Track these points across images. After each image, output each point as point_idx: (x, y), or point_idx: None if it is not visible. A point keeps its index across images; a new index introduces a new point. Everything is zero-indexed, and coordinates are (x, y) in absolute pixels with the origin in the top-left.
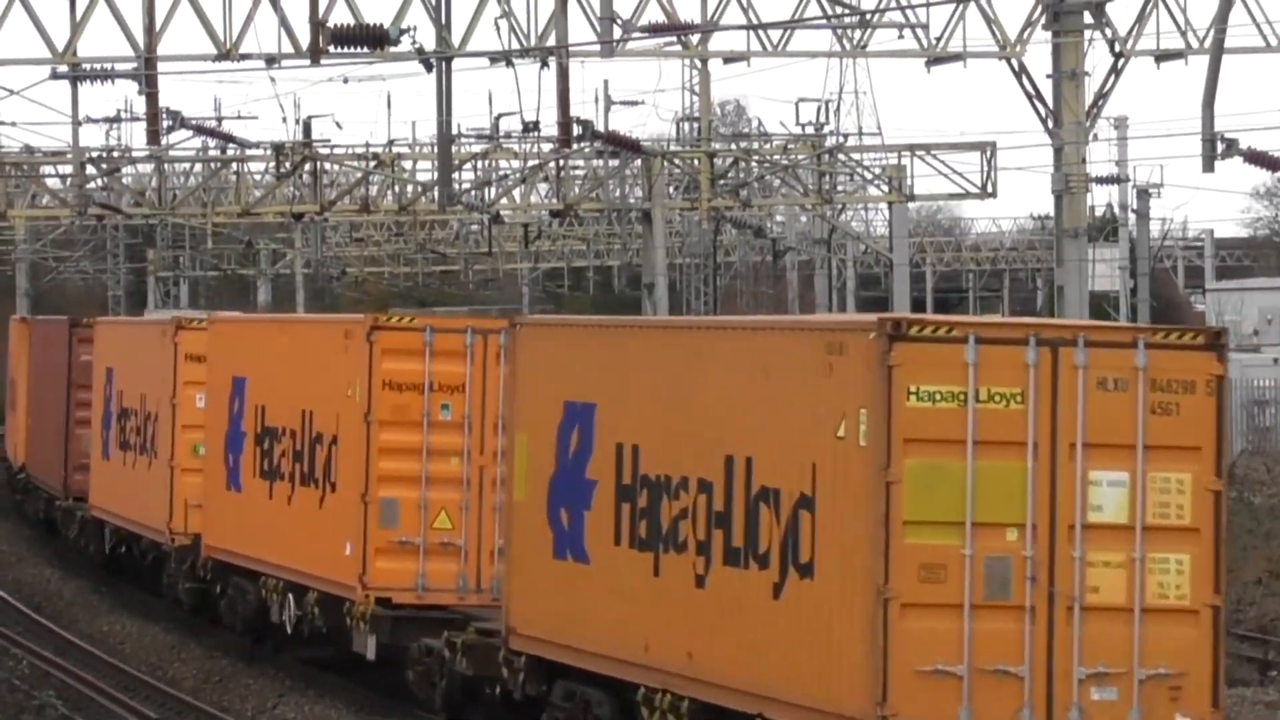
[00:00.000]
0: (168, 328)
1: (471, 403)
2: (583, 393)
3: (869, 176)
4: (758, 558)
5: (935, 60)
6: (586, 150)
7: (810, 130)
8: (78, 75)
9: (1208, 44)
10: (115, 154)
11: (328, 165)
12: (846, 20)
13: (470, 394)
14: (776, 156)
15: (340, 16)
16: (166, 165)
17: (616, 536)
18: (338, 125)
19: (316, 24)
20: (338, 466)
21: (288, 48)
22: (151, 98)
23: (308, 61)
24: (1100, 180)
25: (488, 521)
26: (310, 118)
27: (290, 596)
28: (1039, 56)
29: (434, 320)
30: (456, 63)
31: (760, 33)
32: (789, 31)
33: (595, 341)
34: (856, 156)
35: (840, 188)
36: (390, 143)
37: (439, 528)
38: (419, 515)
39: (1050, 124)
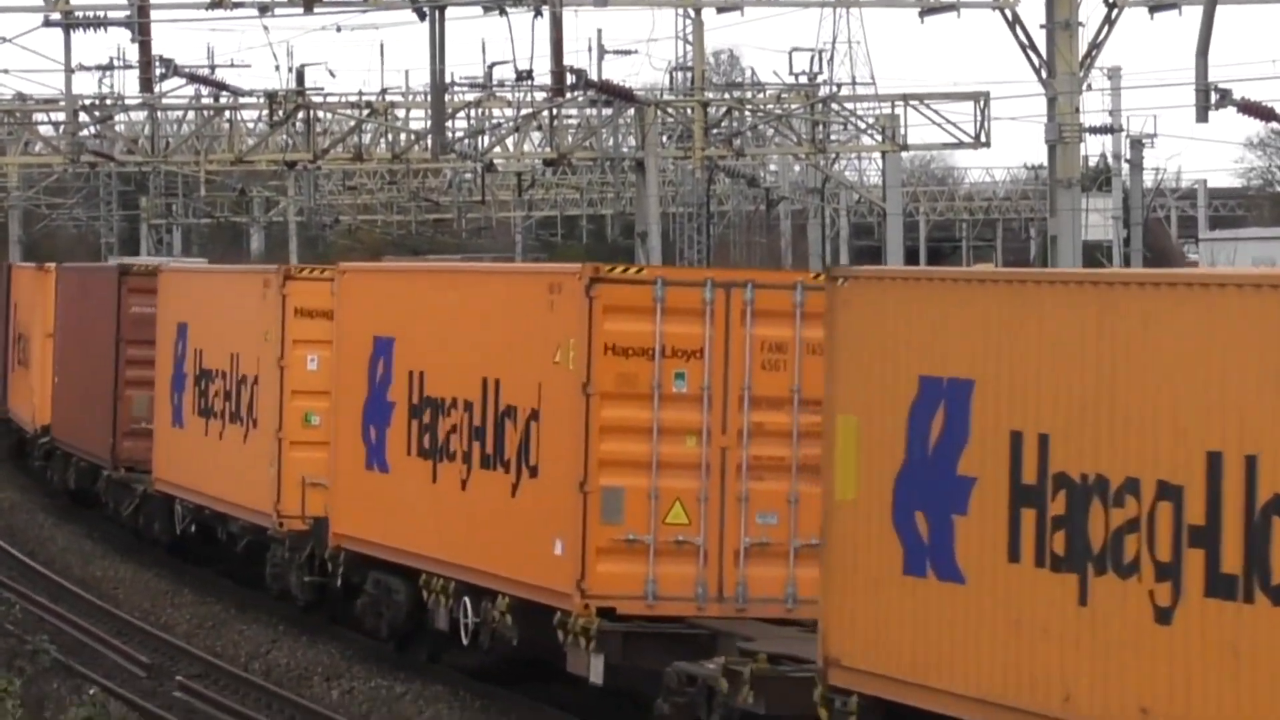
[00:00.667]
0: (273, 277)
1: (712, 371)
2: (950, 365)
3: (862, 126)
4: (1270, 590)
5: (929, 10)
6: (580, 99)
7: (804, 80)
8: (71, 23)
9: None
10: (108, 101)
11: (321, 113)
12: None
13: (710, 360)
14: (770, 106)
15: None
16: (159, 113)
17: (1013, 551)
18: (331, 74)
19: None
20: (541, 448)
21: None
22: (144, 45)
23: (301, 10)
24: (1094, 130)
25: (731, 515)
26: (303, 66)
27: (466, 601)
28: (1033, 6)
29: (666, 271)
30: (450, 11)
31: None
32: None
33: (970, 300)
34: (850, 106)
35: (834, 137)
36: (384, 91)
37: (673, 523)
38: (649, 508)
39: (1044, 74)
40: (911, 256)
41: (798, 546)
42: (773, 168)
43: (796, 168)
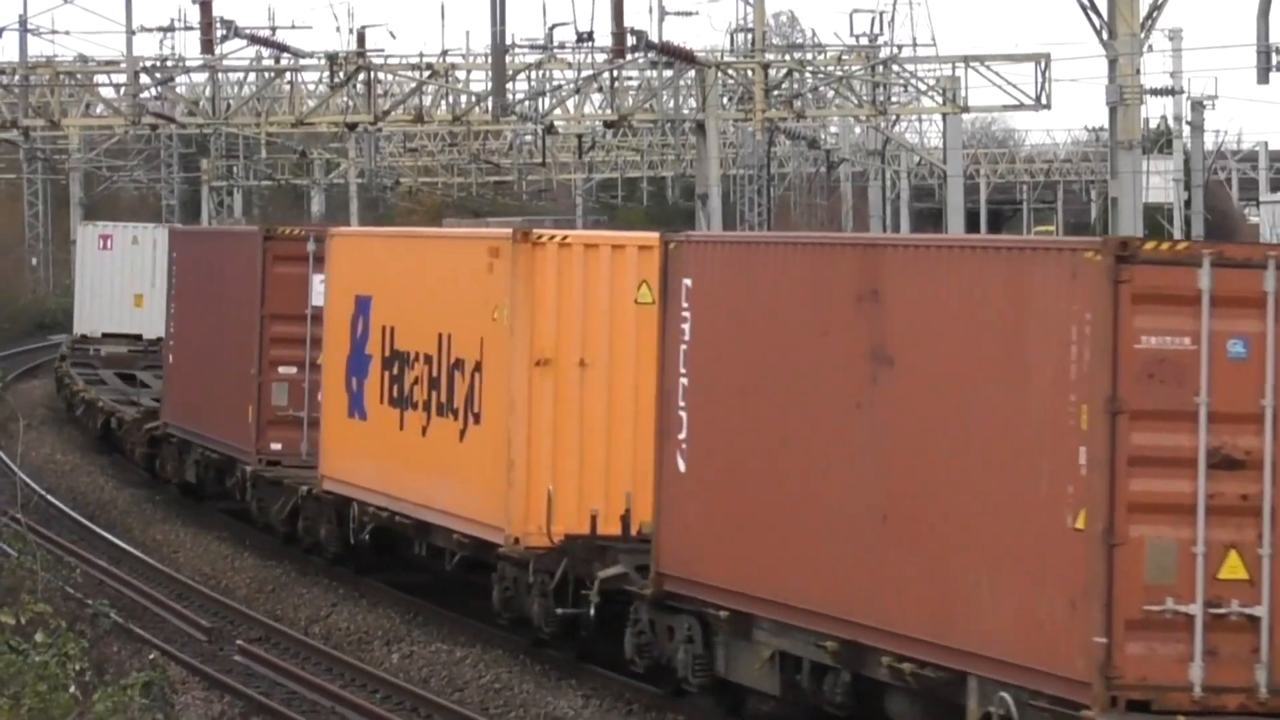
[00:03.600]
0: None
1: None
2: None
3: (923, 88)
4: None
5: None
6: (640, 61)
7: (864, 41)
8: None
9: None
10: (169, 63)
11: (382, 75)
12: None
13: None
14: (831, 67)
15: None
16: (220, 75)
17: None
18: (392, 35)
19: None
20: None
21: None
22: (205, 7)
23: None
24: (1155, 92)
25: None
26: (364, 27)
27: None
28: None
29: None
30: None
31: None
32: None
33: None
34: (911, 67)
35: (894, 99)
36: (444, 53)
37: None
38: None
39: (1105, 35)
40: (972, 219)
41: None
42: (833, 130)
43: (857, 129)
